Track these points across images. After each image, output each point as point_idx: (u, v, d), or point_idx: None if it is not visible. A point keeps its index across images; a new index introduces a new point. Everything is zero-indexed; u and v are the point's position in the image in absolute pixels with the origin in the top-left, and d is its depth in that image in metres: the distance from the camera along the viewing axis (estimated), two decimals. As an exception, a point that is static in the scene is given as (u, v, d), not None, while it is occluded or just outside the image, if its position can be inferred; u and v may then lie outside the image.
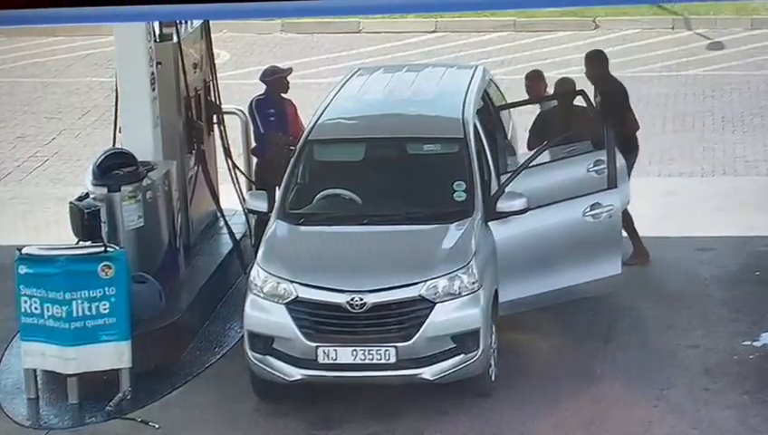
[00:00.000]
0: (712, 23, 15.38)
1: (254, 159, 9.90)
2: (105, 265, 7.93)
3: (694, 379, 8.10)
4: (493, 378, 8.04)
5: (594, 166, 8.73)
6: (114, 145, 9.15)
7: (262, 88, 9.93)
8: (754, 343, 8.48)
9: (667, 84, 13.67)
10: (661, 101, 13.20)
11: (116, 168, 8.59)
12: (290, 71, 9.76)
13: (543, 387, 8.06)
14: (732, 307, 8.99)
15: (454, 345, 7.76)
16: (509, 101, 9.86)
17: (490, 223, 8.27)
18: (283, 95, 9.67)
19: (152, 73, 8.94)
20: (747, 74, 13.79)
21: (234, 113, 10.15)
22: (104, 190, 8.53)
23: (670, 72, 14.02)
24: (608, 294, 8.87)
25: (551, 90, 9.80)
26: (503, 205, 8.28)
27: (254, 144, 9.84)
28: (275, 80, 9.64)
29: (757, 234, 10.02)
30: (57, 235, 9.26)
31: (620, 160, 9.07)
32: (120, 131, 9.12)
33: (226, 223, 9.58)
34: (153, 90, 8.96)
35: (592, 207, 8.51)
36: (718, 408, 7.78)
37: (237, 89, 12.37)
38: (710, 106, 13.03)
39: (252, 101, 9.74)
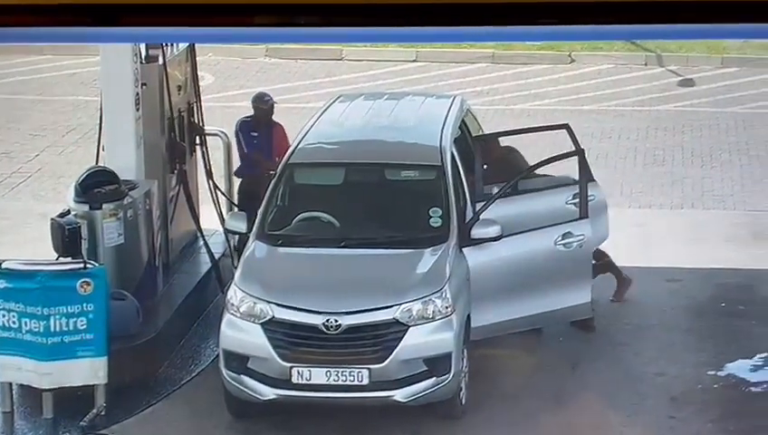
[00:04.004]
0: (683, 60, 15.60)
1: (236, 180, 9.95)
2: (84, 282, 7.93)
3: (659, 406, 8.19)
4: (463, 401, 8.10)
5: (573, 198, 8.83)
6: (97, 163, 9.16)
7: (244, 110, 10.02)
8: (719, 373, 8.58)
9: (638, 119, 13.85)
10: (633, 136, 13.37)
11: (98, 185, 8.59)
12: (272, 103, 9.83)
13: (512, 411, 8.13)
14: (698, 337, 9.10)
15: (426, 368, 7.83)
16: (486, 132, 10.01)
17: (464, 249, 8.36)
18: (272, 118, 9.73)
19: (137, 94, 8.96)
20: (717, 111, 13.98)
21: (216, 135, 10.17)
22: (86, 208, 8.54)
23: (642, 108, 14.20)
24: (577, 320, 9.01)
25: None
26: (477, 232, 8.38)
27: (237, 164, 9.89)
28: (257, 108, 9.70)
29: (724, 266, 10.14)
30: (38, 250, 9.26)
31: (601, 194, 9.23)
32: (103, 150, 9.12)
33: (205, 243, 9.58)
34: (137, 110, 8.97)
35: (564, 236, 8.63)
36: (683, 435, 7.92)
37: (220, 111, 12.39)
38: (680, 141, 13.20)
39: (238, 122, 9.82)
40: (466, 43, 14.85)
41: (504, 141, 9.61)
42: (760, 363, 8.75)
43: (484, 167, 8.96)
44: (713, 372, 8.61)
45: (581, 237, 8.65)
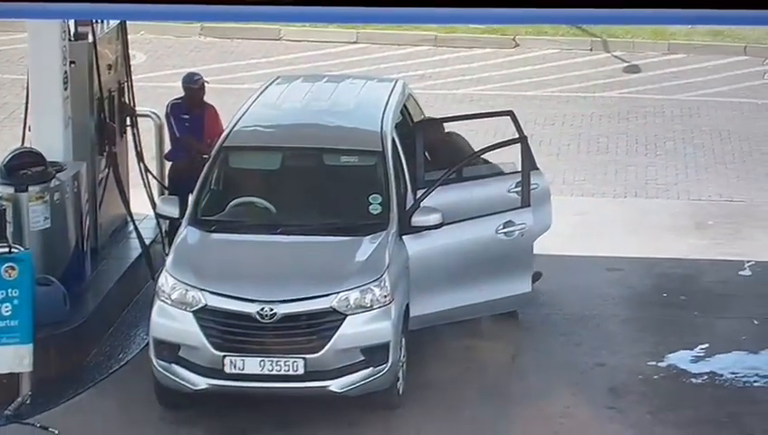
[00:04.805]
0: (629, 46, 15.58)
1: (168, 164, 9.83)
2: (9, 267, 7.80)
3: (599, 397, 8.19)
4: (400, 392, 8.05)
5: (515, 187, 8.80)
6: (23, 144, 9.03)
7: (177, 91, 9.84)
8: (659, 364, 8.60)
9: (582, 105, 13.82)
10: (576, 122, 13.33)
11: (24, 167, 8.48)
12: (203, 82, 9.66)
13: (450, 401, 8.09)
14: (638, 327, 9.12)
15: (363, 358, 7.77)
16: (428, 117, 9.88)
17: (404, 237, 8.29)
18: (203, 99, 9.63)
19: (65, 72, 8.83)
20: (662, 98, 14.00)
21: (148, 116, 10.08)
22: (11, 190, 8.43)
23: (586, 94, 14.17)
24: (517, 310, 8.95)
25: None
26: (418, 219, 8.31)
27: (168, 148, 9.78)
28: (188, 89, 9.57)
29: (666, 256, 10.16)
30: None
31: (544, 182, 9.16)
32: (29, 130, 9.00)
33: (136, 227, 9.48)
34: (65, 89, 8.85)
35: (505, 225, 8.58)
36: (622, 426, 7.88)
37: (152, 91, 12.21)
38: (624, 129, 13.19)
39: (168, 104, 9.68)
40: (409, 24, 14.69)
41: (448, 127, 9.50)
42: (701, 354, 8.77)
43: (426, 154, 8.84)
44: (653, 363, 8.62)
45: (523, 226, 8.61)
